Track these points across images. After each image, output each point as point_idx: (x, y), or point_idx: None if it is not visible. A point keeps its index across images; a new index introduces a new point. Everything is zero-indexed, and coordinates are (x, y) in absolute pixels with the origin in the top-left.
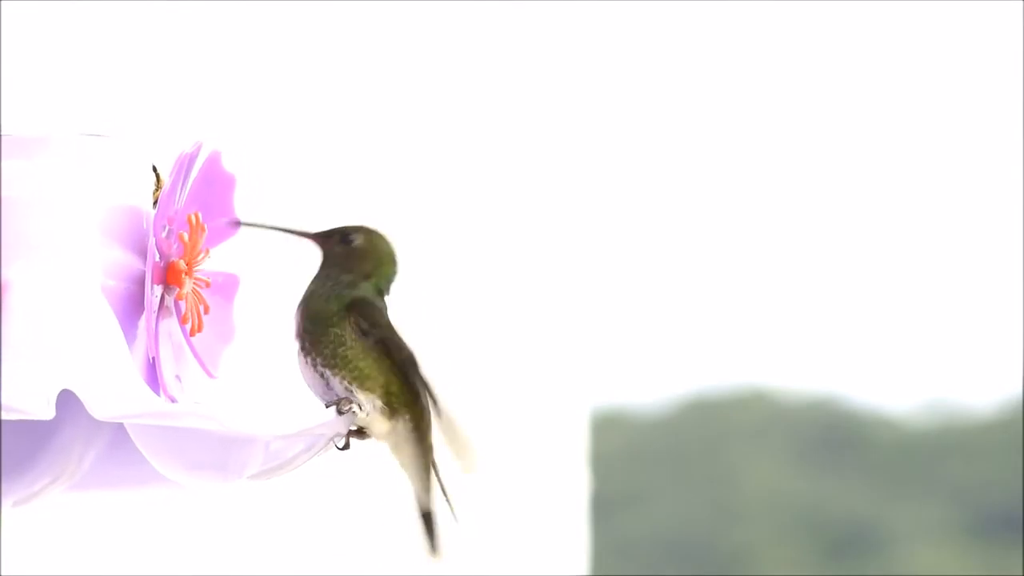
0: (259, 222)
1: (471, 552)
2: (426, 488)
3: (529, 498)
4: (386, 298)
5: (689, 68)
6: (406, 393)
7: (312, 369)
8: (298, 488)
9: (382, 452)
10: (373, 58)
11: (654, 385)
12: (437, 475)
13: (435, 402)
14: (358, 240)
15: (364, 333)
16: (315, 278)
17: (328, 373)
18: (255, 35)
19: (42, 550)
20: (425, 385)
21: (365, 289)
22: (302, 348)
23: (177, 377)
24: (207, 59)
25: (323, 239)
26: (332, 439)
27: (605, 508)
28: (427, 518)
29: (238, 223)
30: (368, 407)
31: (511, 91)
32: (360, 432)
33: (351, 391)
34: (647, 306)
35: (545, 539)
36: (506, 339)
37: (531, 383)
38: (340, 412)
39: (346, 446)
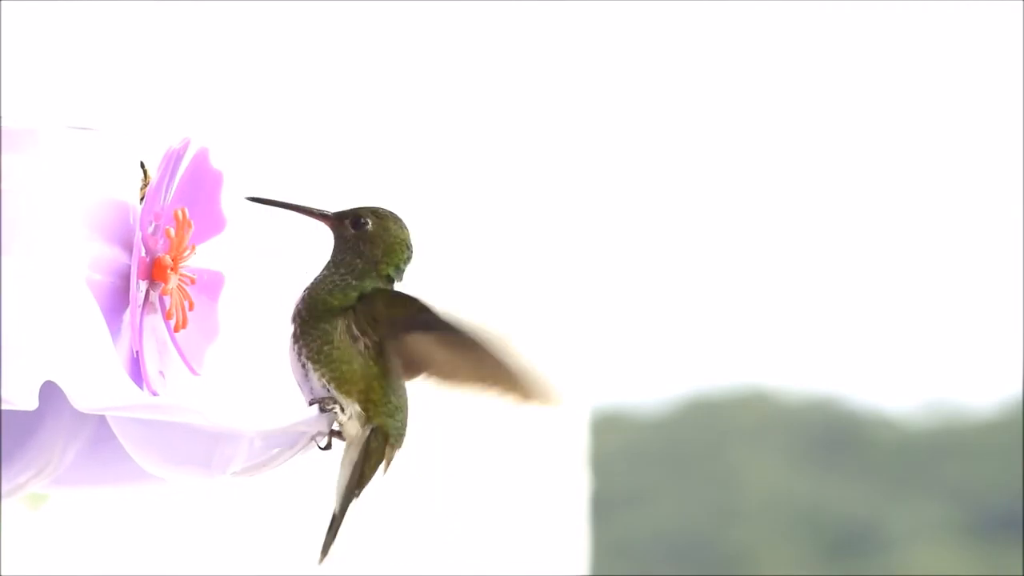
0: (272, 199)
1: (471, 552)
2: (350, 494)
3: (529, 498)
4: (397, 285)
5: (689, 68)
6: (386, 404)
7: (296, 357)
8: (277, 487)
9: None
10: (364, 56)
11: (654, 385)
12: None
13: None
14: (370, 224)
15: (355, 338)
16: (328, 263)
17: (309, 366)
18: (244, 32)
19: (35, 549)
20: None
21: (374, 280)
22: (293, 333)
23: (161, 373)
24: (195, 55)
25: (335, 221)
26: (314, 438)
27: (605, 508)
28: (334, 521)
29: (251, 199)
30: (349, 410)
31: (512, 91)
32: (341, 433)
33: (328, 389)
34: (647, 306)
35: (545, 539)
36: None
37: None
38: (323, 410)
39: (328, 446)
